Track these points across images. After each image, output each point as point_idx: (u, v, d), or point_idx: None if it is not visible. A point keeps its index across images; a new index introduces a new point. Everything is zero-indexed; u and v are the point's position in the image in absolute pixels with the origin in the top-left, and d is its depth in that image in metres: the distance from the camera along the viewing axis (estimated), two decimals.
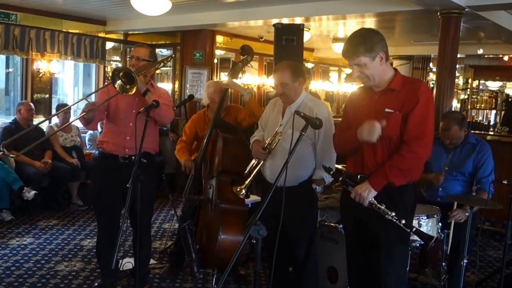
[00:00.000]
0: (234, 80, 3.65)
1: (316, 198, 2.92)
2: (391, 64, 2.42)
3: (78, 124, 5.85)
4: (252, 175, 2.81)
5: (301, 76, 2.81)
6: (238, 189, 2.79)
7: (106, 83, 3.43)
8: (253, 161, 2.90)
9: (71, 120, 5.73)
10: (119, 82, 2.88)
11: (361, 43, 2.18)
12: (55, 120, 6.18)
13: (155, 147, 3.25)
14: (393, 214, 2.17)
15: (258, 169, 2.83)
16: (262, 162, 2.83)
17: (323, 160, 2.73)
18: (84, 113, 2.96)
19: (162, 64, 3.35)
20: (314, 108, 2.75)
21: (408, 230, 2.19)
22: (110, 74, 2.93)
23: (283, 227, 2.71)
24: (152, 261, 3.75)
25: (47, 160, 5.26)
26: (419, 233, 2.24)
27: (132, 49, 3.24)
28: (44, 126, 6.13)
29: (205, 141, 3.37)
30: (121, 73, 2.89)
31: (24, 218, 5.02)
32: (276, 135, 2.75)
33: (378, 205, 2.20)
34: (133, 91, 2.88)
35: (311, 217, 2.90)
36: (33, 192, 4.88)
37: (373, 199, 2.22)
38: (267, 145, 2.79)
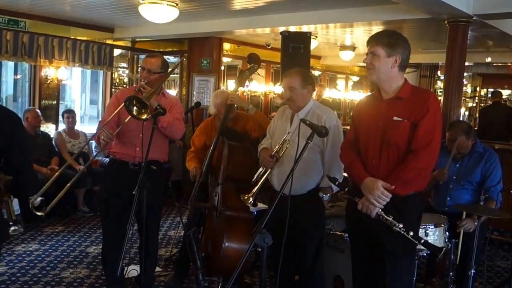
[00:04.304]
0: (241, 88, 3.65)
1: (323, 206, 2.90)
2: None
3: (86, 130, 5.92)
4: (259, 183, 2.78)
5: (310, 84, 2.83)
6: (246, 197, 2.75)
7: (114, 94, 3.40)
8: (261, 169, 2.88)
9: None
10: (134, 108, 2.82)
11: (387, 37, 2.25)
12: (62, 126, 6.22)
13: (164, 157, 3.27)
14: (401, 225, 2.15)
15: (265, 177, 2.81)
16: (269, 170, 2.81)
17: (331, 168, 2.71)
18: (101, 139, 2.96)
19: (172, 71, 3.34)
20: (323, 116, 2.74)
21: (417, 242, 2.16)
22: (125, 103, 2.81)
23: (291, 235, 2.70)
24: (157, 269, 3.73)
25: (53, 167, 5.28)
26: (428, 244, 2.21)
27: (143, 58, 3.23)
28: (52, 133, 6.17)
29: (211, 148, 3.37)
30: (134, 101, 2.83)
31: (30, 224, 5.04)
32: (284, 143, 2.74)
33: (386, 216, 2.18)
34: (146, 116, 2.81)
35: (318, 226, 2.88)
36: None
37: (380, 210, 2.19)
38: (275, 153, 2.77)
